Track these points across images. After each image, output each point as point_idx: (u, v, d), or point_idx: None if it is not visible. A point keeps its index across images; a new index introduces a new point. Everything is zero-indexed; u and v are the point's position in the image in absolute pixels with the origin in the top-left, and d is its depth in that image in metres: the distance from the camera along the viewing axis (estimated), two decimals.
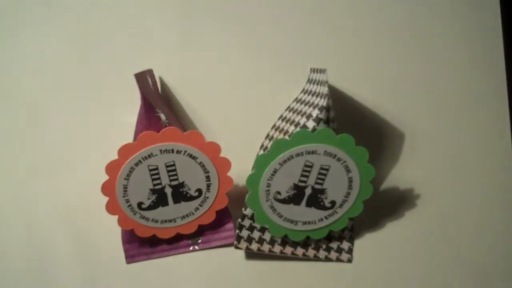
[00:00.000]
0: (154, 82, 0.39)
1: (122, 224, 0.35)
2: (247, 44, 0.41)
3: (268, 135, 0.39)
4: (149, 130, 0.32)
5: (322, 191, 0.34)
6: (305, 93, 0.39)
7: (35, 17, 0.41)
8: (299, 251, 0.37)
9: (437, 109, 0.41)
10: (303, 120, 0.34)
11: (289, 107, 0.39)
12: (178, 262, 0.39)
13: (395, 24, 0.41)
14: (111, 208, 0.34)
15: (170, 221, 0.36)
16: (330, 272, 0.39)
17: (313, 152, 0.32)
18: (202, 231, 0.38)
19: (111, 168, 0.33)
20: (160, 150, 0.33)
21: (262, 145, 0.39)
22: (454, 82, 0.40)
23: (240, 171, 0.35)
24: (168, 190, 0.35)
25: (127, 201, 0.34)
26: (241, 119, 0.41)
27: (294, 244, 0.37)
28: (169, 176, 0.34)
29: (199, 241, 0.38)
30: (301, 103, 0.37)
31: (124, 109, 0.40)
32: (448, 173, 0.41)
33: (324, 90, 0.33)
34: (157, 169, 0.33)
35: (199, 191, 0.35)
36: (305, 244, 0.37)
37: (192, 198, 0.35)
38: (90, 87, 0.41)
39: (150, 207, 0.35)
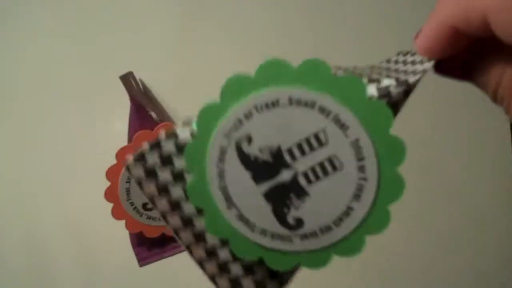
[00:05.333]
0: (137, 84, 0.39)
1: (130, 227, 0.35)
2: (244, 44, 0.42)
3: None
4: (143, 129, 0.32)
5: (301, 194, 0.19)
6: (400, 54, 0.23)
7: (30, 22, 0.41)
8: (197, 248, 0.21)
9: (437, 109, 0.41)
10: (378, 77, 0.20)
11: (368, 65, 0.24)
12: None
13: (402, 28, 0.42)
14: (116, 213, 0.34)
15: None
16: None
17: (343, 125, 0.18)
18: None
19: (111, 173, 0.33)
20: None
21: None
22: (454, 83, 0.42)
23: None
24: None
25: (132, 204, 0.34)
26: None
27: (200, 236, 0.21)
28: None
29: None
30: (389, 63, 0.23)
31: (116, 112, 0.40)
32: (446, 169, 0.40)
33: (426, 66, 0.20)
34: None
35: None
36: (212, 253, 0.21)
37: None
38: (86, 91, 0.41)
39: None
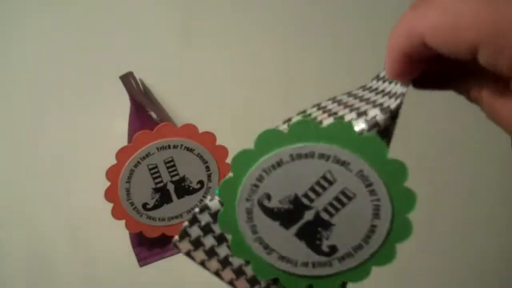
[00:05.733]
0: (137, 84, 0.39)
1: (130, 228, 0.35)
2: (244, 45, 0.42)
3: (304, 112, 0.27)
4: (143, 129, 0.32)
5: (327, 226, 0.23)
6: (379, 80, 0.26)
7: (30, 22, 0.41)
8: None
9: (436, 109, 0.41)
10: (365, 107, 0.22)
11: (349, 92, 0.27)
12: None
13: None
14: (116, 213, 0.34)
15: (176, 217, 0.36)
16: None
17: (343, 163, 0.21)
18: None
19: (112, 173, 0.33)
20: (157, 148, 0.33)
21: (304, 113, 0.27)
22: None
23: None
24: (171, 187, 0.35)
25: (132, 204, 0.34)
26: (234, 112, 0.42)
27: (253, 281, 0.25)
28: (169, 172, 0.34)
29: None
30: (370, 91, 0.25)
31: (116, 112, 0.40)
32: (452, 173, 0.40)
33: (403, 89, 0.22)
34: (156, 167, 0.34)
35: (201, 182, 0.35)
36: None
37: (195, 190, 0.35)
38: (84, 93, 0.41)
39: (155, 207, 0.35)
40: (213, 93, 0.42)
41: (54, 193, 0.40)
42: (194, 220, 0.25)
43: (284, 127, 0.23)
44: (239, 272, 0.25)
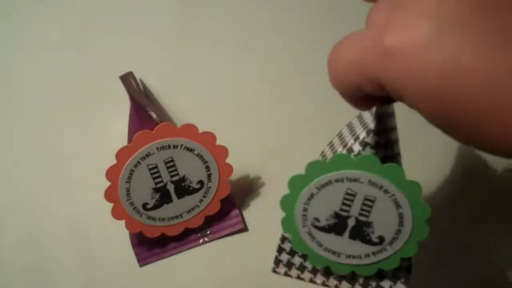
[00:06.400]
0: (137, 84, 0.39)
1: (130, 228, 0.35)
2: (245, 45, 0.42)
3: (322, 152, 0.36)
4: (143, 129, 0.32)
5: (368, 224, 0.30)
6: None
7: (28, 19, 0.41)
8: (344, 285, 0.34)
9: None
10: (351, 142, 0.30)
11: (349, 123, 0.34)
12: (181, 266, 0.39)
13: None
14: (116, 213, 0.34)
15: (176, 217, 0.36)
16: None
17: (355, 180, 0.28)
18: (209, 223, 0.38)
19: (111, 173, 0.33)
20: (157, 148, 0.33)
21: (323, 153, 0.35)
22: None
23: (237, 156, 0.36)
24: (171, 187, 0.35)
25: (132, 204, 0.34)
26: (234, 112, 0.42)
27: (340, 277, 0.34)
28: (169, 172, 0.34)
29: (208, 232, 0.39)
30: (359, 120, 0.32)
31: (116, 112, 0.40)
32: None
33: (372, 110, 0.28)
34: (156, 167, 0.34)
35: (201, 182, 0.35)
36: (352, 278, 0.34)
37: (195, 190, 0.35)
38: (84, 91, 0.41)
39: (155, 207, 0.35)
40: (213, 93, 0.43)
41: (54, 193, 0.40)
42: (280, 249, 0.34)
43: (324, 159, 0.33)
44: (327, 274, 0.34)
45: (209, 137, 0.34)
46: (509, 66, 0.15)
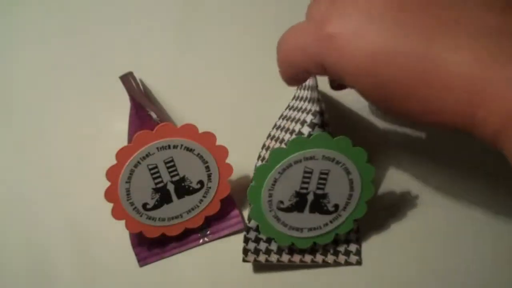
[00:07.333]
0: (137, 84, 0.39)
1: (130, 228, 0.35)
2: (244, 45, 0.42)
3: (264, 145, 0.39)
4: (143, 129, 0.32)
5: (324, 196, 0.33)
6: (296, 100, 0.38)
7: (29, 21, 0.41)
8: (307, 258, 0.36)
9: None
10: (298, 127, 0.34)
11: (282, 115, 0.39)
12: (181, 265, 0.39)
13: None
14: (116, 213, 0.34)
15: (176, 217, 0.36)
16: (340, 277, 0.37)
17: (311, 158, 0.31)
18: (209, 223, 0.38)
19: (112, 173, 0.33)
20: (157, 148, 0.33)
21: (260, 156, 0.39)
22: None
23: (237, 156, 0.36)
24: (171, 187, 0.35)
25: (132, 204, 0.34)
26: (234, 111, 0.42)
27: (302, 252, 0.36)
28: (169, 172, 0.34)
29: (208, 232, 0.39)
30: (294, 110, 0.37)
31: (116, 112, 0.40)
32: (448, 171, 0.39)
33: (314, 95, 0.33)
34: (156, 167, 0.34)
35: (201, 182, 0.35)
36: (313, 250, 0.36)
37: (195, 190, 0.35)
38: (82, 93, 0.41)
39: (155, 207, 0.35)
40: (213, 93, 0.42)
41: (54, 193, 0.40)
42: (246, 239, 0.36)
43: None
44: (291, 251, 0.36)
45: (209, 137, 0.34)
46: (423, 52, 0.18)
